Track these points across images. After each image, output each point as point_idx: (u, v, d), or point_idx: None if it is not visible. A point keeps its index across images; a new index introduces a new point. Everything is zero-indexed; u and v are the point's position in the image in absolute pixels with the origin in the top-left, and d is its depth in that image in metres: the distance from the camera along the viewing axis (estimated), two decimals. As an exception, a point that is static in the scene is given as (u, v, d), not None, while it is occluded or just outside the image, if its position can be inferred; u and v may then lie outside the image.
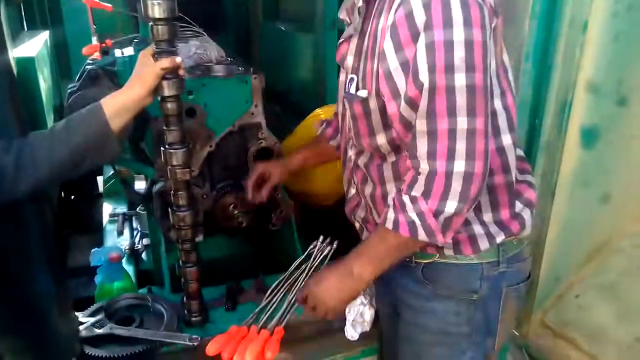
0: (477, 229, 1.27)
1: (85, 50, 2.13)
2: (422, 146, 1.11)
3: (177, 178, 1.52)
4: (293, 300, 1.75)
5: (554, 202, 1.68)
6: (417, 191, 1.13)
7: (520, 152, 1.37)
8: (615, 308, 1.66)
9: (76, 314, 1.57)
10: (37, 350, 1.37)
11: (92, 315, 1.58)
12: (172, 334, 1.53)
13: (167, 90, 1.39)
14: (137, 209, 2.61)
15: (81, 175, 1.35)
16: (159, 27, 1.34)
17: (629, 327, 1.62)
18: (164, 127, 1.48)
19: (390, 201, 1.20)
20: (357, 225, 1.49)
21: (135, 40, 2.02)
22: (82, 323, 1.53)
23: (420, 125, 1.10)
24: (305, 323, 1.73)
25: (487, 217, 1.27)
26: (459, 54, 1.03)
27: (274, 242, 2.18)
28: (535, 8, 1.52)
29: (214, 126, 1.85)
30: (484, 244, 1.28)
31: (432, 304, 1.34)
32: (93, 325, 1.53)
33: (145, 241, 2.34)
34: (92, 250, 1.71)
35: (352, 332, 1.51)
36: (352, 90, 1.25)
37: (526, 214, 1.31)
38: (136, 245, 2.35)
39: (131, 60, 1.76)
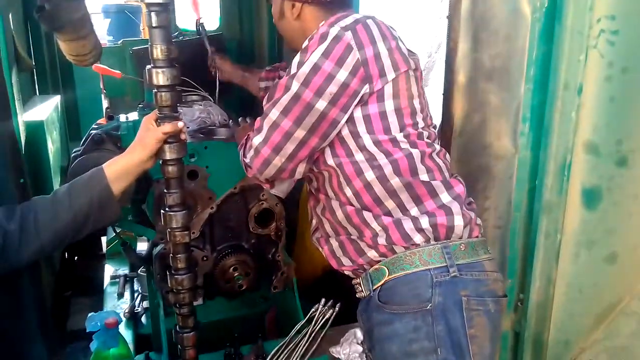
0: (404, 219, 1.36)
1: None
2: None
3: (176, 241, 1.51)
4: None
5: (559, 263, 1.65)
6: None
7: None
8: (628, 374, 1.60)
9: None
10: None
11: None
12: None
13: (169, 153, 1.42)
14: (139, 270, 2.59)
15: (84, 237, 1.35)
16: (162, 93, 1.38)
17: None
18: (165, 190, 1.49)
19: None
20: (316, 245, 1.60)
21: (140, 106, 2.07)
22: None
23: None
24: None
25: (413, 211, 1.37)
26: (304, 69, 1.31)
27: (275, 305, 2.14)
28: (530, 72, 1.55)
29: (216, 188, 1.86)
30: (414, 234, 1.35)
31: (393, 326, 1.35)
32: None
33: (146, 304, 2.31)
34: (89, 315, 1.67)
35: None
36: None
37: (452, 204, 1.37)
38: (136, 308, 2.32)
39: (135, 125, 1.80)
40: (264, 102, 1.42)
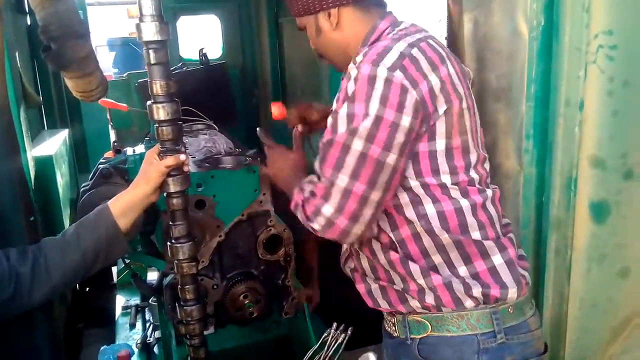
0: (454, 279, 1.28)
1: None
2: (315, 179, 1.28)
3: (184, 272, 1.52)
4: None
5: (571, 280, 1.63)
6: (305, 196, 1.29)
7: (505, 220, 1.41)
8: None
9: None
10: None
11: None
12: None
13: (172, 186, 1.43)
14: (150, 300, 2.59)
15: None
16: (164, 127, 1.40)
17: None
18: (170, 222, 1.50)
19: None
20: (348, 274, 1.52)
21: (146, 138, 2.10)
22: None
23: (316, 163, 1.28)
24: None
25: (462, 270, 1.29)
26: (365, 124, 1.17)
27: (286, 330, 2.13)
28: (531, 90, 1.55)
29: (223, 216, 1.88)
30: (465, 299, 1.27)
31: None
32: None
33: (158, 334, 2.30)
34: (101, 348, 1.68)
35: None
36: None
37: (505, 271, 1.30)
38: (148, 339, 2.31)
39: (141, 158, 1.82)
40: (316, 164, 1.28)
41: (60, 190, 2.45)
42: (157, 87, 1.35)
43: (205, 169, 1.88)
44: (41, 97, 2.94)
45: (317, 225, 1.25)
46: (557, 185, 1.56)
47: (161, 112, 1.37)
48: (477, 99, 1.64)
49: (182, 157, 1.41)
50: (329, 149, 1.23)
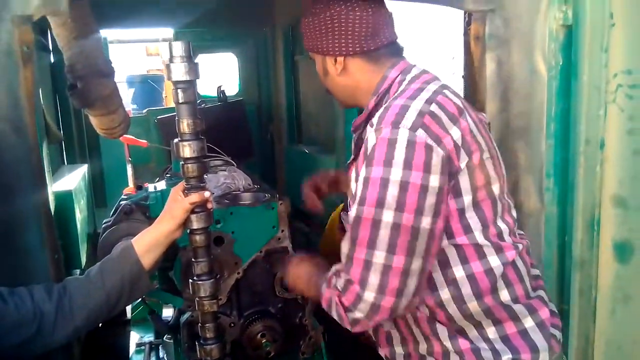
0: (482, 344, 1.23)
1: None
2: (344, 266, 1.21)
3: (204, 309, 1.51)
4: None
5: (597, 321, 1.60)
6: (340, 287, 1.22)
7: (535, 271, 1.36)
8: None
9: None
10: None
11: None
12: None
13: (196, 223, 1.44)
14: (164, 337, 2.57)
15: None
16: (189, 165, 1.42)
17: None
18: (192, 259, 1.50)
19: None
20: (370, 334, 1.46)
21: (167, 175, 2.12)
22: None
23: (344, 246, 1.21)
24: None
25: (491, 332, 1.24)
26: (391, 192, 1.11)
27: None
28: (550, 129, 1.56)
29: (242, 253, 1.88)
30: None
31: None
32: None
33: (172, 372, 2.27)
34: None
35: None
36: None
37: (536, 333, 1.24)
38: (162, 377, 2.28)
39: (163, 195, 1.84)
40: (344, 245, 1.21)
41: (79, 225, 2.46)
42: (185, 125, 1.38)
43: (224, 205, 1.89)
44: (62, 133, 3.00)
45: (360, 314, 1.17)
46: (580, 225, 1.55)
47: (187, 150, 1.39)
48: (499, 138, 1.66)
49: (207, 194, 1.42)
50: (357, 227, 1.16)
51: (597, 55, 1.47)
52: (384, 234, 1.12)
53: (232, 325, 1.90)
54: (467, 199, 1.20)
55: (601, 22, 1.44)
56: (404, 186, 1.11)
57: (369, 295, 1.15)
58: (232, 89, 3.83)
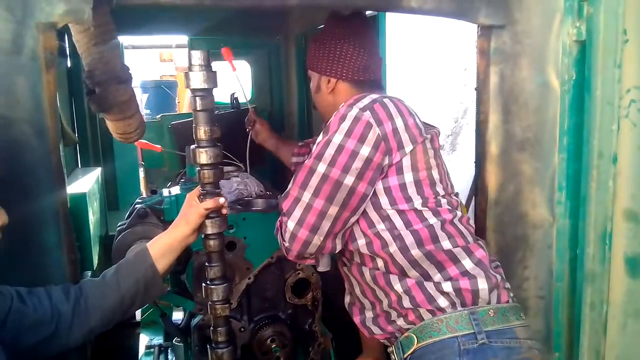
0: (429, 285, 1.40)
1: None
2: (282, 199, 1.47)
3: (217, 313, 1.53)
4: None
5: (607, 335, 1.60)
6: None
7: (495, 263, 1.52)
8: None
9: None
10: None
11: None
12: None
13: (210, 228, 1.46)
14: (174, 340, 2.58)
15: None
16: (205, 171, 1.44)
17: None
18: (206, 264, 1.52)
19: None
20: (350, 312, 1.64)
21: (181, 180, 2.15)
22: None
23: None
24: None
25: (436, 278, 1.41)
26: (329, 151, 1.39)
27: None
28: (563, 142, 1.57)
29: (253, 258, 1.89)
30: (437, 296, 1.38)
31: None
32: None
33: (181, 375, 2.28)
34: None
35: None
36: None
37: (476, 271, 1.40)
38: (171, 380, 2.30)
39: (177, 199, 1.87)
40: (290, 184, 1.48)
41: (92, 227, 2.49)
42: (202, 132, 1.41)
43: (237, 211, 1.91)
44: (77, 136, 3.04)
45: (287, 242, 1.44)
46: (592, 239, 1.55)
47: (203, 156, 1.42)
48: (500, 149, 1.68)
49: (222, 200, 1.45)
50: (300, 172, 1.43)
51: (610, 71, 1.48)
52: (314, 180, 1.39)
53: (242, 329, 1.91)
54: (409, 176, 1.42)
55: (614, 38, 1.46)
56: (339, 149, 1.38)
57: (290, 225, 1.42)
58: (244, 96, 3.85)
